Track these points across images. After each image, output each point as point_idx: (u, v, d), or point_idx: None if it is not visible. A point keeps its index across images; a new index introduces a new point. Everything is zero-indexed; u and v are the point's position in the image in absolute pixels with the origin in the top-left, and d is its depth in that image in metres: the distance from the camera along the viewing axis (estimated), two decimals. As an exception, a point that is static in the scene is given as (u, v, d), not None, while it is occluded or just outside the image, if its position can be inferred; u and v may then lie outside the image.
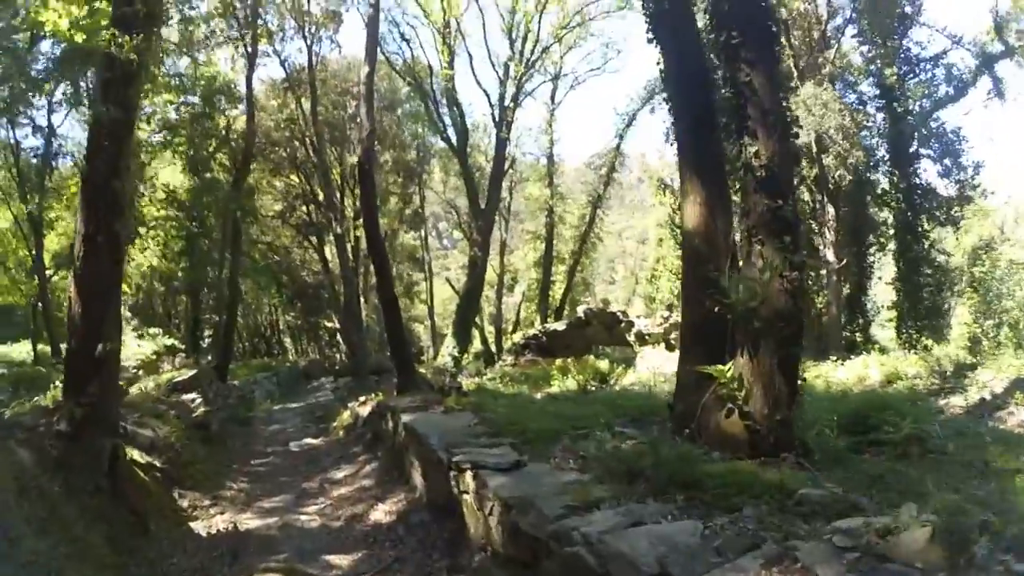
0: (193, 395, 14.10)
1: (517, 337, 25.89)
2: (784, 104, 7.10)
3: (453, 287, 46.95)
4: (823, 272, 26.30)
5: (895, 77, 24.43)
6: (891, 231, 25.80)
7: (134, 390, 14.05)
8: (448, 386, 12.12)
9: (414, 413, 10.00)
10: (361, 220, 33.53)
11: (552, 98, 33.87)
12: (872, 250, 26.79)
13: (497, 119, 28.67)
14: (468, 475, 6.29)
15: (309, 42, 26.40)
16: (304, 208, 35.29)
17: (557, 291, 37.41)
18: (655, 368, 20.81)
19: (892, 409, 7.47)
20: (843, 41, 26.86)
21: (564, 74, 33.50)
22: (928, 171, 25.59)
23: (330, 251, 37.90)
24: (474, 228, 29.09)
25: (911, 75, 25.16)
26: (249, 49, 23.89)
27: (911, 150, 24.78)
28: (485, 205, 28.25)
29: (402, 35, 29.33)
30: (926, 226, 24.45)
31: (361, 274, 35.13)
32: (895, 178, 25.00)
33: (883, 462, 6.15)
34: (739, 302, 6.21)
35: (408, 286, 46.76)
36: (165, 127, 23.26)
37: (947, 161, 24.48)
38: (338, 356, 44.95)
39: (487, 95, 30.78)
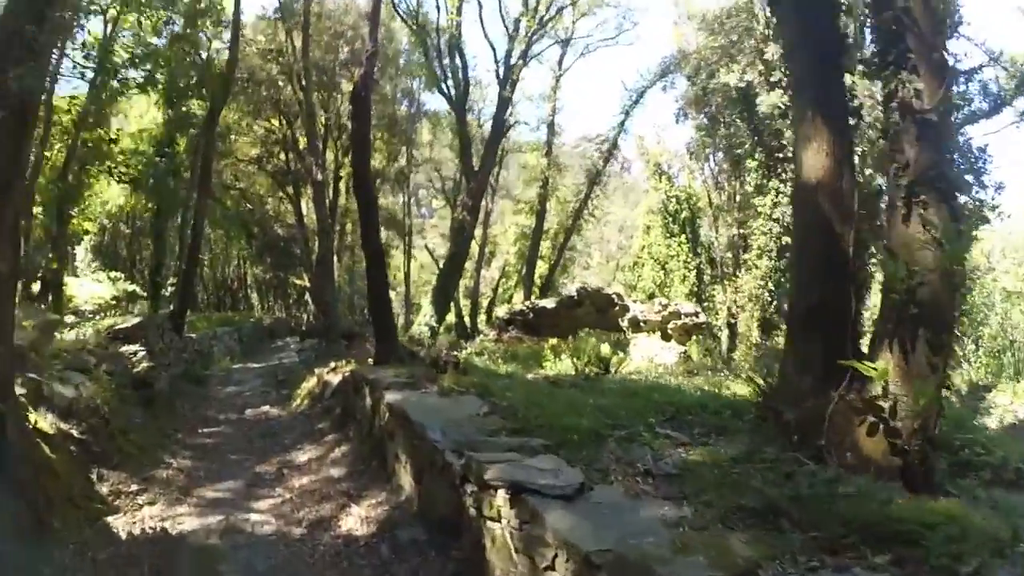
0: (136, 347, 12.07)
1: (502, 312, 24.06)
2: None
3: (431, 254, 45.06)
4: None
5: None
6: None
7: (70, 336, 12.02)
8: (443, 359, 10.21)
9: (400, 391, 8.18)
10: (345, 167, 31.88)
11: (560, 63, 31.82)
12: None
13: (502, 76, 26.57)
14: (501, 498, 4.42)
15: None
16: (283, 156, 33.05)
17: (541, 268, 35.69)
18: (651, 357, 19.34)
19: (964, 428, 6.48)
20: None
21: (575, 39, 31.46)
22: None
23: (306, 204, 35.78)
24: (464, 190, 27.10)
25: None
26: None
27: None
28: (479, 167, 26.24)
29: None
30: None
31: (337, 232, 33.10)
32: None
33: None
34: (897, 279, 4.51)
35: (384, 249, 44.65)
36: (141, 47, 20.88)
37: (968, 178, 23.38)
38: (305, 316, 42.95)
39: (493, 49, 28.69)
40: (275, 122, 31.91)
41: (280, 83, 29.66)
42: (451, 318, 30.69)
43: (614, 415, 6.65)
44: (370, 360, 12.76)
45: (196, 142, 22.67)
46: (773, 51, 24.26)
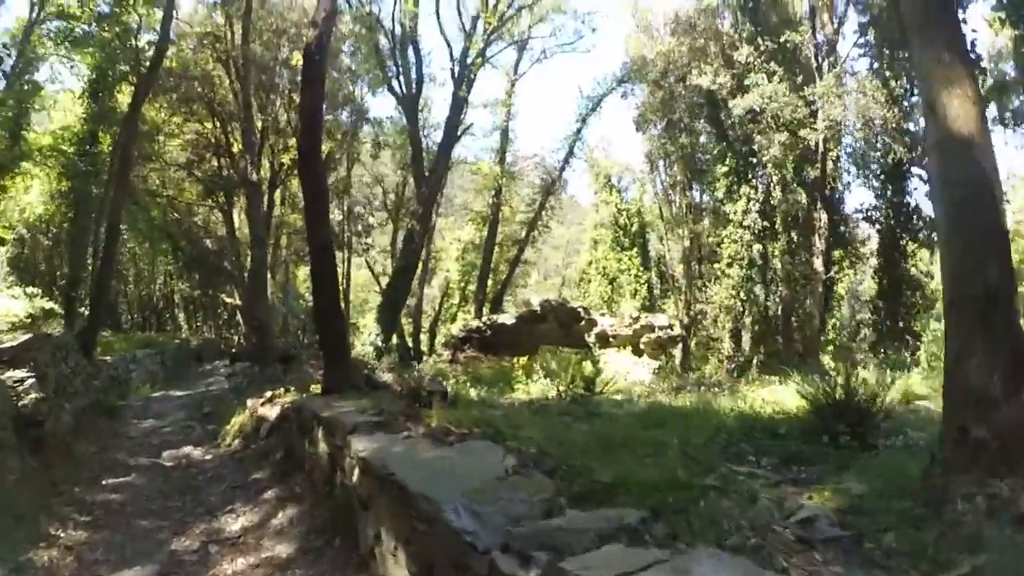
0: (23, 372, 9.60)
1: (455, 329, 22.04)
2: None
3: (371, 269, 42.61)
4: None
5: (903, 90, 23.12)
6: (873, 247, 25.61)
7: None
8: (426, 389, 8.01)
9: (372, 437, 5.94)
10: (285, 174, 29.47)
11: (516, 68, 30.23)
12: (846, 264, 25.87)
13: (457, 75, 24.64)
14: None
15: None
16: (215, 161, 30.43)
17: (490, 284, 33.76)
18: (624, 374, 17.77)
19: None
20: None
21: (532, 41, 29.91)
22: (918, 189, 24.26)
23: (238, 215, 33.14)
24: (415, 197, 25.04)
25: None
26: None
27: (903, 166, 23.86)
28: (430, 172, 24.20)
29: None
30: (909, 246, 24.00)
31: (271, 245, 30.56)
32: (888, 191, 24.54)
33: None
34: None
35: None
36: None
37: None
38: (236, 338, 39.97)
39: (450, 46, 26.71)
40: (208, 124, 29.33)
41: (216, 80, 27.22)
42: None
43: (667, 453, 5.09)
44: (315, 387, 10.61)
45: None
46: (745, 53, 23.67)
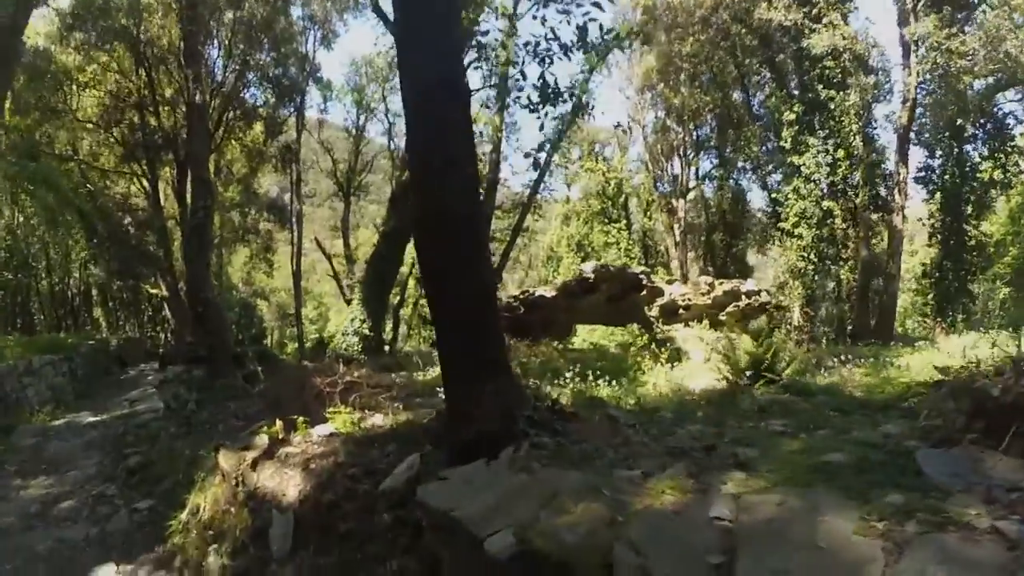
0: None
1: None
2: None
3: (323, 248, 36.79)
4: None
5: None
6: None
7: None
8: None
9: None
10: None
11: (515, 5, 24.74)
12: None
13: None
14: None
15: None
16: (137, 117, 24.40)
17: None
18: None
19: None
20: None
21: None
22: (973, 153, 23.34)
23: (164, 186, 27.04)
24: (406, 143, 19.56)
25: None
26: None
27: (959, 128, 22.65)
28: None
29: None
30: (968, 208, 23.26)
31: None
32: (953, 150, 23.22)
33: None
34: None
35: (265, 245, 36.19)
36: None
37: (995, 143, 22.76)
38: (163, 336, 33.65)
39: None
40: (131, 72, 23.46)
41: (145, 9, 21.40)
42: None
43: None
44: (341, 417, 5.46)
45: None
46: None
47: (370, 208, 44.09)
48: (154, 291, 31.22)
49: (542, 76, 7.22)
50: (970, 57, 20.29)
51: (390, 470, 4.03)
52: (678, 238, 34.62)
